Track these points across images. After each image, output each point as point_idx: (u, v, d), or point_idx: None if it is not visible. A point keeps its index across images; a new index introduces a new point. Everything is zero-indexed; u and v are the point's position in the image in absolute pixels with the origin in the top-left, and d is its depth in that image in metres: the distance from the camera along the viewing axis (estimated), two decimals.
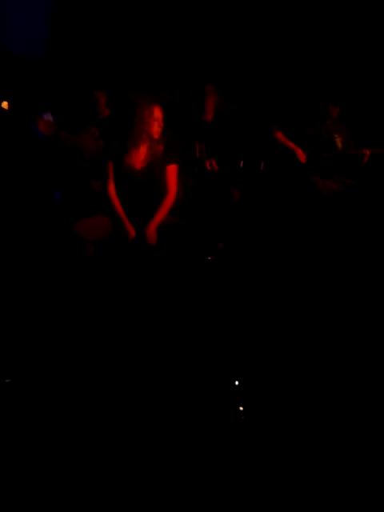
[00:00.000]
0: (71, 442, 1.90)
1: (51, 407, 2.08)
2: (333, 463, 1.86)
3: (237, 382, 2.27)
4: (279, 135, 4.01)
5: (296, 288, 3.22)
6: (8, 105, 4.01)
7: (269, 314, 2.90)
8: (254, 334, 2.69)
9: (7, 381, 2.22)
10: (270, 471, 1.81)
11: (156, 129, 3.05)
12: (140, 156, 3.11)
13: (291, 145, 3.95)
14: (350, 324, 2.80)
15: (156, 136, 3.08)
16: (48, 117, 3.94)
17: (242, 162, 4.06)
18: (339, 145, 3.94)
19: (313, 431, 2.00)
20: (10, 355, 2.42)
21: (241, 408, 2.11)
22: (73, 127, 3.92)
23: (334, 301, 3.05)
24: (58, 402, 2.11)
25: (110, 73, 4.47)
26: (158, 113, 3.04)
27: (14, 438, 1.90)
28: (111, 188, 3.13)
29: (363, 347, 2.59)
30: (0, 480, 1.71)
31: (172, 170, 3.15)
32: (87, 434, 1.94)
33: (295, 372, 2.38)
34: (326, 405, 2.16)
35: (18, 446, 1.87)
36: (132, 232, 3.06)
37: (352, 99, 4.22)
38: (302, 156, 3.92)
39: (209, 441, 1.93)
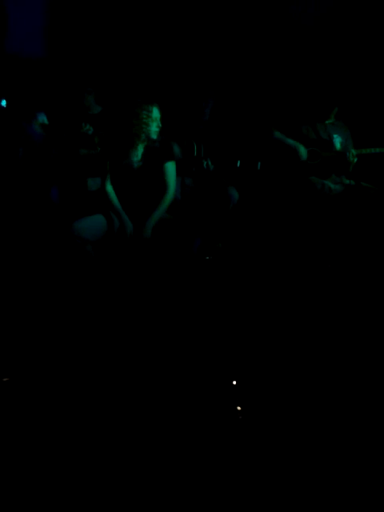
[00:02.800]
0: (69, 439, 1.90)
1: (50, 404, 2.08)
2: (332, 463, 1.86)
3: (234, 382, 2.27)
4: (277, 135, 4.00)
5: (294, 288, 3.22)
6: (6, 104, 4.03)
7: (267, 313, 2.90)
8: (252, 333, 2.69)
9: (5, 379, 2.22)
10: (268, 471, 1.81)
11: (154, 129, 3.06)
12: (138, 155, 3.11)
13: (291, 143, 3.92)
14: (350, 323, 2.81)
15: (154, 136, 3.08)
16: (41, 117, 3.96)
17: (238, 162, 4.06)
18: (338, 145, 3.94)
19: (311, 431, 2.00)
20: (9, 354, 2.42)
21: (238, 408, 2.12)
22: (66, 125, 3.93)
23: (333, 300, 3.05)
24: (56, 398, 2.11)
25: (106, 71, 4.47)
26: (156, 113, 3.05)
27: (12, 438, 1.90)
28: (110, 186, 3.13)
29: (363, 346, 2.60)
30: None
31: (170, 167, 3.16)
32: (85, 433, 1.94)
33: (293, 371, 2.38)
34: (325, 404, 2.16)
35: (17, 445, 1.87)
36: (131, 228, 3.06)
37: (351, 99, 4.22)
38: (303, 152, 3.89)
39: (206, 440, 1.93)
